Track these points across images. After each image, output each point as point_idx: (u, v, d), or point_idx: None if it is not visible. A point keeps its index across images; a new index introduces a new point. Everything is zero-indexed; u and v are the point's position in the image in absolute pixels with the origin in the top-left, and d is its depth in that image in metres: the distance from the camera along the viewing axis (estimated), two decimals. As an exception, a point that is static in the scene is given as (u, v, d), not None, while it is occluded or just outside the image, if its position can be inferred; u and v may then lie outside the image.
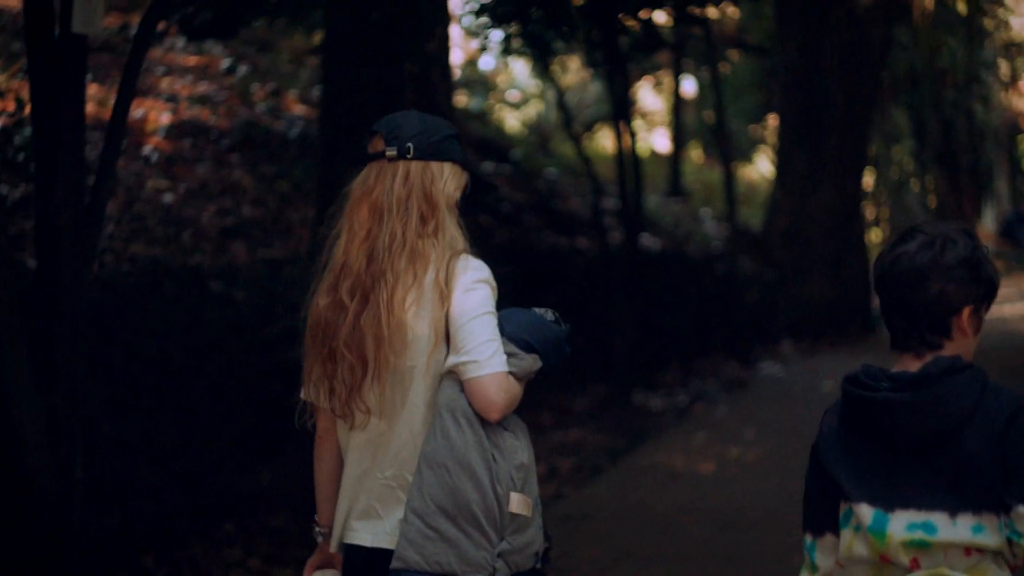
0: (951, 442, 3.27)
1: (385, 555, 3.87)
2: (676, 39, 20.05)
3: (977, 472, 3.25)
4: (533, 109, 28.47)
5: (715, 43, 19.80)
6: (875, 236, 33.74)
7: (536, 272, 13.01)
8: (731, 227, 18.24)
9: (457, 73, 21.32)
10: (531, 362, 3.92)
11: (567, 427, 11.93)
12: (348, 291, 3.90)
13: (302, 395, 4.06)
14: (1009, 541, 3.26)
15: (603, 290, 13.86)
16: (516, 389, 3.88)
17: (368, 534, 3.95)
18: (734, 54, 32.98)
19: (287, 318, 8.37)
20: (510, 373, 3.85)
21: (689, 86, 31.54)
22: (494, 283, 3.94)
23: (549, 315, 4.04)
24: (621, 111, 13.57)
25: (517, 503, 3.83)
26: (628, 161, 13.83)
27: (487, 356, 3.81)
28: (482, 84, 22.76)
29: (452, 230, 3.96)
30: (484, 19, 11.96)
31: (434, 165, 3.96)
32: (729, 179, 18.76)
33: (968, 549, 3.27)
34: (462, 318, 3.84)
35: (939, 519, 3.27)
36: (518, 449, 3.90)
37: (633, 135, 14.27)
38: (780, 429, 11.83)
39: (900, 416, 3.29)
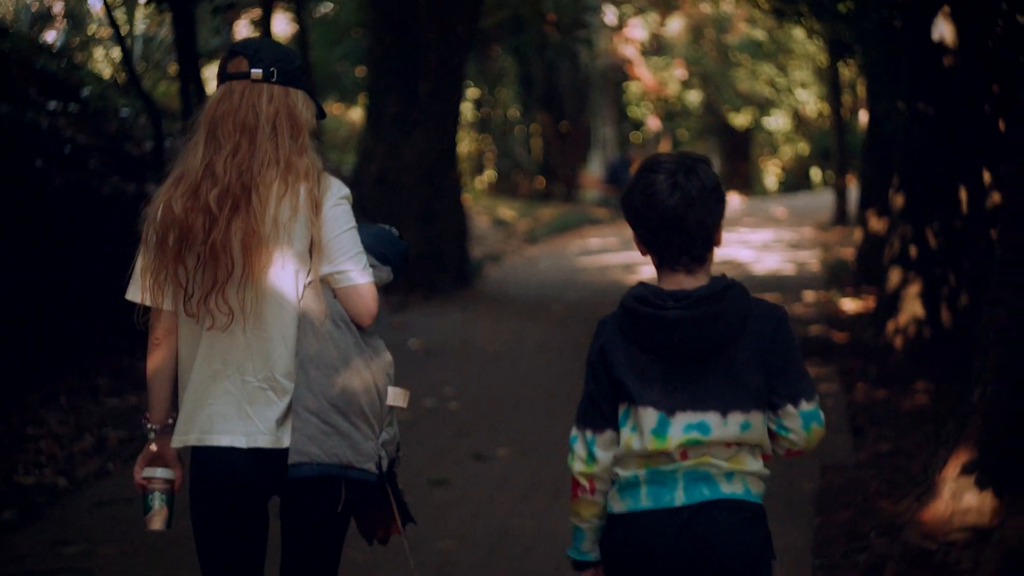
0: (724, 350, 3.74)
1: (263, 453, 4.08)
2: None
3: (747, 376, 3.74)
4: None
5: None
6: (479, 183, 33.36)
7: (94, 218, 11.74)
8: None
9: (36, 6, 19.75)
10: (387, 274, 4.36)
11: (123, 392, 10.69)
12: (216, 199, 4.06)
13: (139, 299, 4.18)
14: (776, 435, 3.83)
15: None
16: (378, 298, 4.20)
17: (241, 436, 4.09)
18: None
19: None
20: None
21: (283, 26, 30.35)
22: (351, 200, 4.23)
23: (394, 231, 4.51)
24: (185, 49, 12.35)
25: (394, 396, 4.18)
26: (196, 102, 12.64)
27: (361, 267, 4.13)
28: (70, 17, 21.20)
29: (312, 151, 4.20)
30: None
31: (292, 90, 4.22)
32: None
33: (729, 443, 3.77)
34: (333, 231, 4.11)
35: (712, 419, 3.74)
36: (383, 349, 4.24)
37: (196, 74, 12.99)
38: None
39: (687, 331, 3.71)
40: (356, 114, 32.13)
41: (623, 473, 3.83)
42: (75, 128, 13.99)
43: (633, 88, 44.55)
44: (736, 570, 3.77)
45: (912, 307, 12.13)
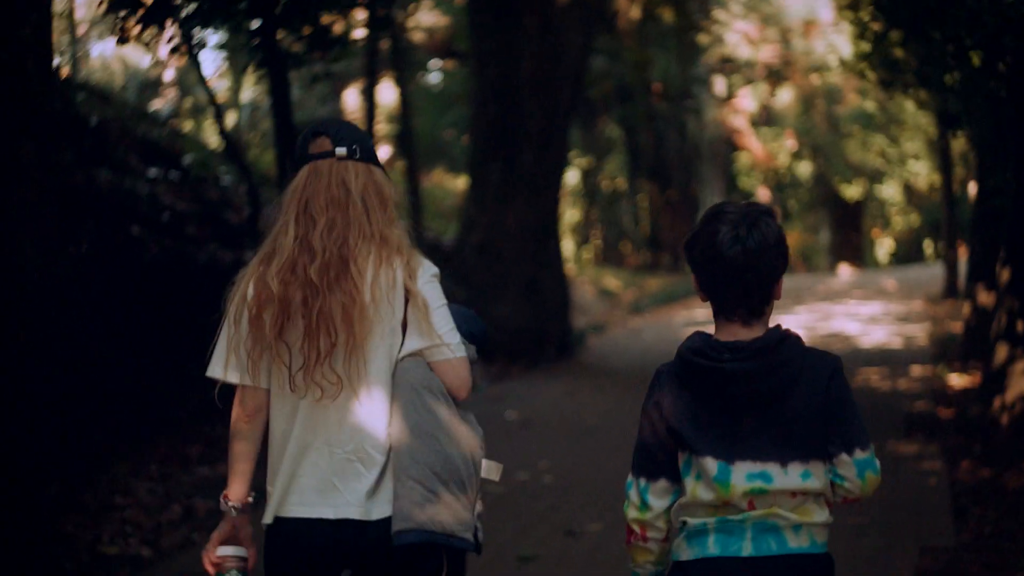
0: (781, 401, 3.79)
1: (350, 524, 4.11)
2: (370, 44, 18.95)
3: (804, 426, 3.79)
4: (232, 116, 27.18)
5: (404, 48, 18.70)
6: (585, 253, 33.27)
7: (191, 285, 11.74)
8: (416, 242, 17.14)
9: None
10: (473, 351, 4.44)
11: (214, 461, 10.66)
12: (317, 271, 4.13)
13: (222, 376, 4.22)
14: (833, 484, 3.86)
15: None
16: (471, 374, 4.27)
17: (329, 507, 4.13)
18: (449, 63, 32.18)
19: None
20: None
21: (389, 94, 30.49)
22: (440, 278, 4.30)
23: (472, 312, 4.67)
24: (282, 116, 12.36)
25: (487, 469, 4.26)
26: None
27: (456, 342, 4.19)
28: (151, 86, 21.42)
29: (401, 225, 4.28)
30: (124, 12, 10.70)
31: (375, 168, 4.33)
32: (415, 190, 17.73)
33: (794, 492, 3.81)
34: (429, 306, 4.16)
35: (773, 469, 3.79)
36: (476, 422, 4.30)
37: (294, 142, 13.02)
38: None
39: (742, 383, 3.78)
40: (463, 183, 32.24)
41: (692, 521, 3.91)
42: (174, 195, 14.07)
43: (743, 158, 44.34)
44: None
45: (1019, 383, 11.81)
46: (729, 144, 42.78)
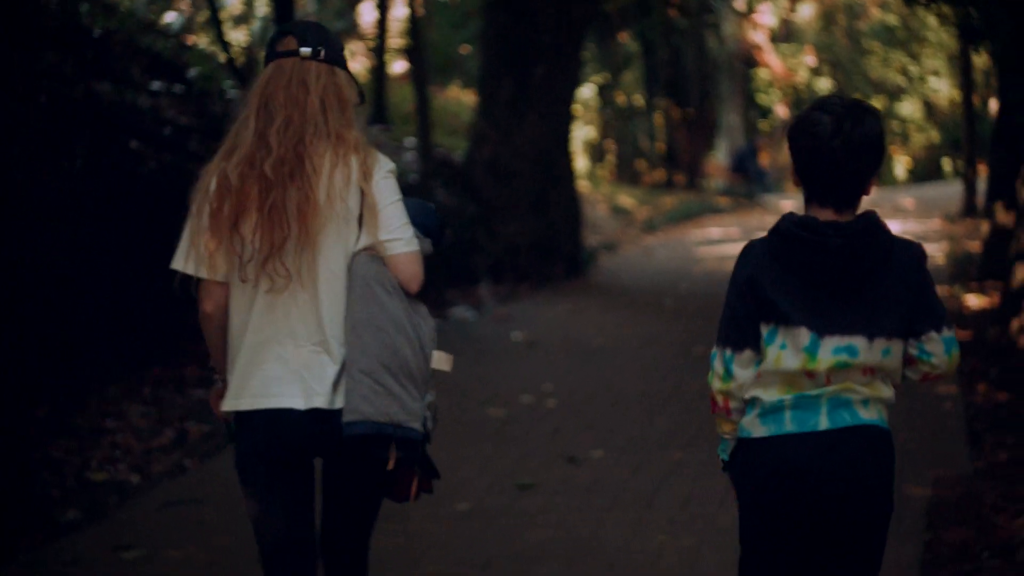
0: (871, 280, 4.00)
1: (319, 413, 4.28)
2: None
3: (890, 305, 4.01)
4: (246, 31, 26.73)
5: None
6: (600, 170, 32.88)
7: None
8: (424, 157, 16.80)
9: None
10: (428, 245, 4.52)
11: (210, 384, 10.36)
12: (272, 166, 4.27)
13: (191, 271, 4.39)
14: (917, 360, 4.10)
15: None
16: (423, 267, 4.41)
17: (299, 398, 4.28)
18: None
19: None
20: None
21: (403, 9, 30.02)
22: (397, 174, 4.46)
23: (432, 206, 4.71)
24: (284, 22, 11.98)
25: (438, 360, 4.39)
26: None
27: (408, 236, 4.35)
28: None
29: (359, 126, 4.44)
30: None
31: (338, 70, 4.46)
32: (423, 104, 17.35)
33: (866, 369, 4.03)
34: (383, 202, 4.33)
35: (860, 343, 4.00)
36: (428, 315, 4.46)
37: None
38: (454, 387, 10.44)
39: (846, 259, 3.98)
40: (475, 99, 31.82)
41: (766, 398, 4.11)
42: (177, 110, 13.72)
43: (761, 75, 43.79)
44: (877, 491, 4.09)
45: (1038, 306, 11.51)
46: (748, 60, 42.21)
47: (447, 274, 15.90)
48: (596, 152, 33.92)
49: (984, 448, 8.87)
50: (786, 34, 44.07)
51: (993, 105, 20.36)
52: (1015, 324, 11.70)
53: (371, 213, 4.33)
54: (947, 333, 4.11)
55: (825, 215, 4.07)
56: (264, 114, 4.38)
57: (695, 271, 19.60)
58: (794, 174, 4.14)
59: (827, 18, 43.85)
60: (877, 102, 44.90)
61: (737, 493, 4.26)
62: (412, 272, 4.37)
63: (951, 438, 9.18)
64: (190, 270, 4.40)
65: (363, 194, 4.34)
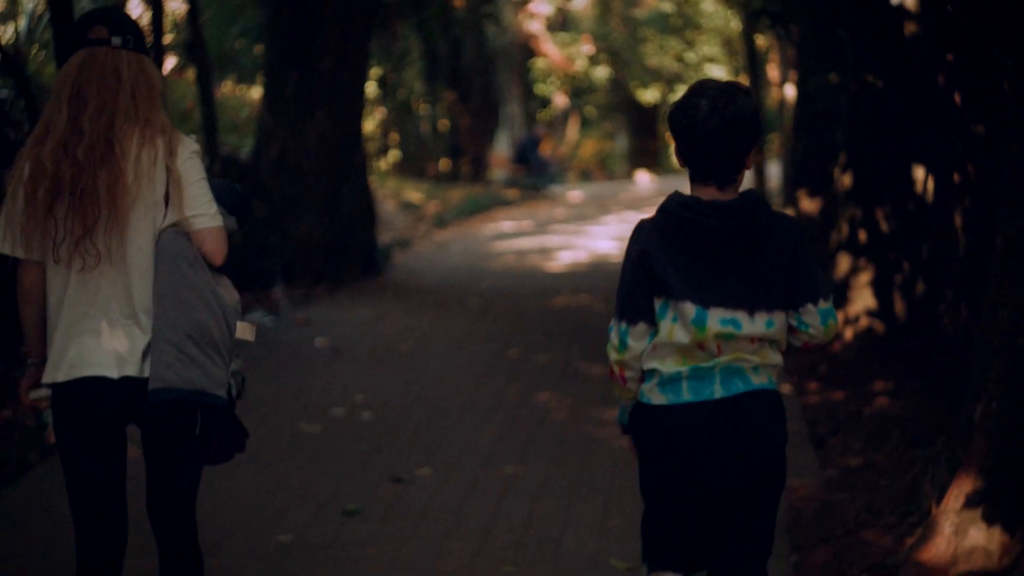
0: (752, 255, 4.30)
1: (130, 382, 4.51)
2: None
3: (771, 279, 4.32)
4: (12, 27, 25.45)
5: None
6: (384, 164, 32.19)
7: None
8: (210, 156, 15.91)
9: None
10: (233, 223, 4.87)
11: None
12: (84, 151, 4.49)
13: (7, 251, 4.60)
14: (796, 330, 4.43)
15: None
16: (227, 242, 4.65)
17: (112, 368, 4.51)
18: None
19: None
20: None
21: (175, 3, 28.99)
22: (201, 155, 4.63)
23: (237, 186, 5.04)
24: (62, 26, 11.09)
25: (241, 330, 4.67)
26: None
27: (213, 212, 4.60)
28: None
29: (164, 111, 4.66)
30: None
31: (144, 58, 4.67)
32: (208, 102, 16.50)
33: (754, 339, 4.35)
34: (187, 180, 4.56)
35: (742, 317, 4.32)
36: (232, 287, 4.74)
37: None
38: (262, 400, 9.68)
39: (724, 237, 4.28)
40: (257, 94, 30.83)
41: (665, 370, 4.39)
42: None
43: (539, 65, 43.50)
44: (771, 448, 4.39)
45: (863, 297, 11.18)
46: (525, 49, 41.89)
47: (239, 278, 15.03)
48: (379, 146, 33.18)
49: (831, 454, 8.47)
50: (563, 23, 43.87)
51: (789, 91, 20.19)
52: (839, 317, 11.37)
53: (176, 191, 4.56)
54: (823, 305, 4.39)
55: (708, 193, 4.35)
56: (77, 101, 4.56)
57: (495, 267, 19.04)
58: (677, 155, 4.40)
59: (603, 6, 43.73)
60: (655, 90, 45.00)
61: (638, 452, 4.56)
62: (216, 246, 4.61)
63: (795, 443, 8.74)
64: (6, 250, 4.61)
65: (169, 173, 4.56)
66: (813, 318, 4.39)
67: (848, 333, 11.18)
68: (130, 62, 4.63)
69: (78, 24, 4.67)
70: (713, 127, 4.28)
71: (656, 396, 4.40)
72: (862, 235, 11.22)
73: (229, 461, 4.94)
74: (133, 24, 4.69)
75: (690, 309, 4.31)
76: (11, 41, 14.78)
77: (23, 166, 4.56)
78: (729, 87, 4.35)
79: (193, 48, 17.52)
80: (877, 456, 8.20)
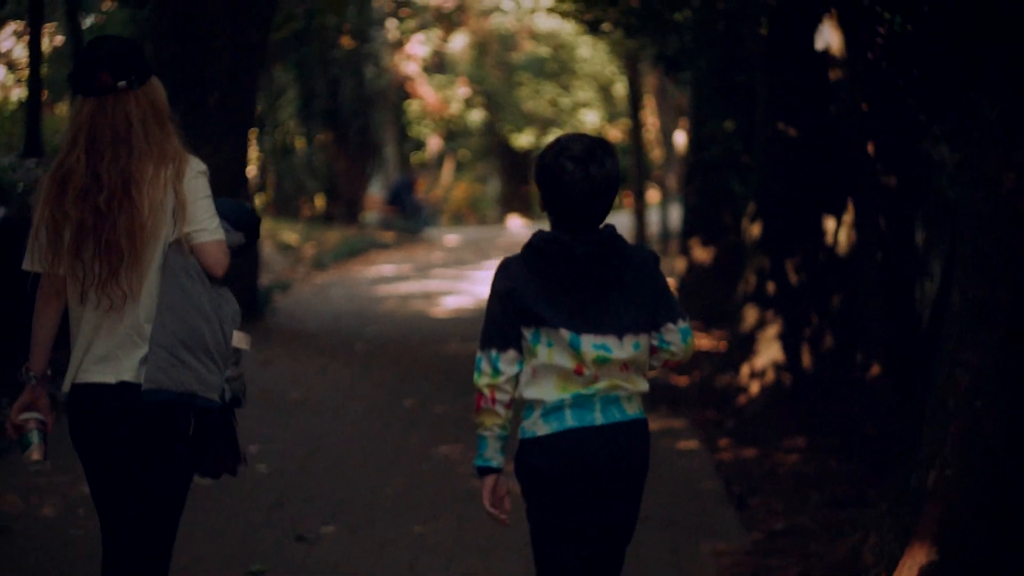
0: (616, 283, 4.61)
1: (128, 387, 4.78)
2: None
3: (634, 304, 4.62)
4: None
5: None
6: (259, 200, 31.64)
7: None
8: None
9: None
10: (238, 237, 5.04)
11: None
12: (105, 201, 4.76)
13: (35, 267, 4.87)
14: (659, 349, 4.69)
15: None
16: (228, 255, 4.92)
17: (111, 374, 4.81)
18: (109, 3, 30.10)
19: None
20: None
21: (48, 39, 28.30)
22: (207, 175, 4.93)
23: (248, 204, 5.33)
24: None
25: (239, 339, 4.92)
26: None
27: (214, 226, 4.85)
28: None
29: (175, 135, 4.89)
30: None
31: (149, 83, 4.85)
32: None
33: (625, 364, 4.62)
34: (191, 198, 4.82)
35: (611, 341, 4.60)
36: (232, 298, 4.96)
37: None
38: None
39: (591, 264, 4.57)
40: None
41: (548, 399, 4.62)
42: None
43: (414, 107, 43.21)
44: (639, 471, 4.66)
45: (770, 350, 10.97)
46: (401, 91, 41.57)
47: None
48: (256, 184, 32.62)
49: (754, 516, 8.17)
50: (439, 65, 43.62)
51: (679, 137, 20.03)
52: (745, 370, 11.13)
53: (182, 208, 4.79)
54: (682, 324, 4.68)
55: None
56: (92, 151, 4.78)
57: (379, 312, 18.58)
58: (542, 207, 4.64)
59: (480, 49, 43.54)
60: (529, 134, 44.86)
61: (523, 489, 4.73)
62: (216, 259, 4.81)
63: (714, 504, 8.47)
64: (33, 267, 4.86)
65: (175, 192, 4.78)
66: (674, 336, 4.66)
67: (754, 387, 10.95)
68: (138, 101, 4.81)
69: (81, 70, 4.84)
70: (582, 190, 4.53)
71: (540, 427, 4.62)
72: (770, 286, 11.03)
73: (218, 479, 5.09)
74: (132, 56, 4.85)
75: (565, 334, 4.57)
76: None
77: (45, 210, 4.81)
78: (594, 146, 4.59)
79: (73, 81, 16.92)
80: (801, 518, 7.93)
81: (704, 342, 14.52)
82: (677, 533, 7.72)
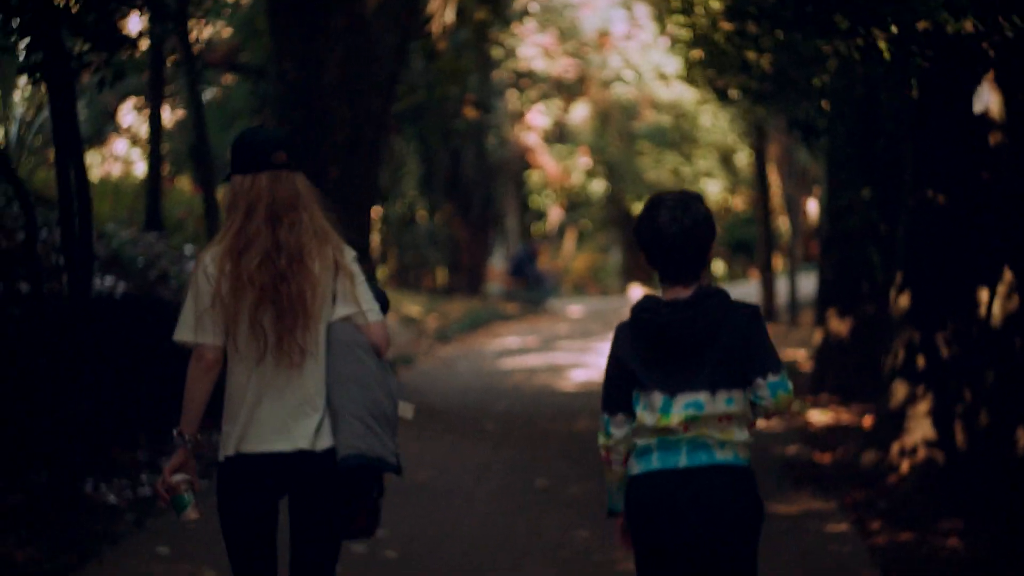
0: (709, 342, 4.89)
1: (302, 455, 5.21)
2: (153, 61, 17.00)
3: (728, 360, 4.88)
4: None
5: (193, 60, 16.74)
6: (381, 273, 31.47)
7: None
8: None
9: None
10: (385, 317, 5.49)
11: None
12: (287, 263, 5.21)
13: (190, 338, 5.26)
14: (753, 404, 4.94)
15: (44, 346, 10.46)
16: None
17: (286, 443, 5.21)
18: (229, 78, 30.21)
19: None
20: None
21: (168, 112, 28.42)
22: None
23: (378, 287, 5.65)
24: (64, 127, 10.38)
25: (403, 408, 5.36)
26: (77, 189, 10.61)
27: (377, 308, 5.35)
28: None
29: (329, 218, 5.42)
30: None
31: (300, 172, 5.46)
32: (210, 209, 15.80)
33: (721, 417, 4.90)
34: (357, 280, 5.31)
35: (704, 397, 4.89)
36: (392, 373, 5.41)
37: (79, 158, 10.91)
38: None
39: (674, 330, 4.90)
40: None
41: (640, 443, 4.98)
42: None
43: (535, 177, 43.00)
44: (728, 521, 4.83)
45: (921, 427, 10.43)
46: (522, 162, 41.39)
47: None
48: (379, 256, 32.49)
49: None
50: (560, 135, 43.40)
51: (812, 207, 19.53)
52: (895, 448, 10.60)
53: (350, 288, 5.28)
54: (772, 378, 4.86)
55: (674, 292, 4.98)
56: (271, 218, 5.24)
57: (506, 386, 18.20)
58: (647, 264, 5.01)
59: (601, 119, 43.26)
60: (651, 204, 44.33)
61: (631, 529, 5.01)
62: (383, 337, 5.34)
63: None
64: (189, 338, 5.24)
65: (338, 272, 5.27)
66: (763, 391, 4.87)
67: (904, 465, 10.42)
68: (302, 181, 5.36)
69: (261, 147, 5.30)
70: (674, 234, 4.89)
71: (633, 467, 5.00)
72: (920, 360, 10.49)
73: (368, 537, 5.62)
74: (294, 144, 5.41)
75: (657, 398, 4.93)
76: (1, 146, 14.11)
77: (223, 273, 5.20)
78: (684, 196, 4.98)
79: (197, 156, 16.86)
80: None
81: (844, 416, 14.01)
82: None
